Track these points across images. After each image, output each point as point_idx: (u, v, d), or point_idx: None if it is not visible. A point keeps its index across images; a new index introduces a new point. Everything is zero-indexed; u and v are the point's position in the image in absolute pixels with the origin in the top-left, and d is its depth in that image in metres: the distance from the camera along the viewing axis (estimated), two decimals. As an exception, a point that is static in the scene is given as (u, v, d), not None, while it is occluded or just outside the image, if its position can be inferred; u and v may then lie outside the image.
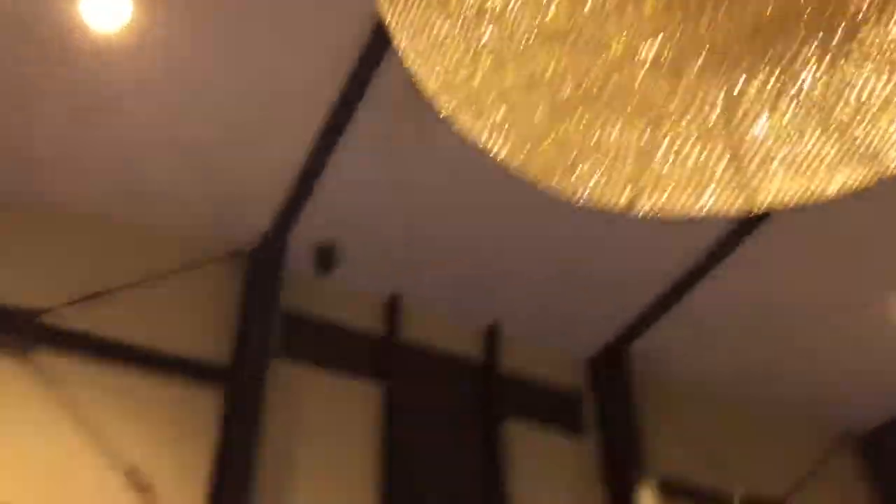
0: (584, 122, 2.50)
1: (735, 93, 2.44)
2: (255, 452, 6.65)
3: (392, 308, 8.66)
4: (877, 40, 2.29)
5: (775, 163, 2.62)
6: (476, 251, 8.42)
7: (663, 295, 8.65)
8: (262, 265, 7.92)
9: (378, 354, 8.35)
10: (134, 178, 7.50)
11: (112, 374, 6.80)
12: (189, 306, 7.59)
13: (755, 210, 2.80)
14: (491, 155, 2.62)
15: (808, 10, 2.18)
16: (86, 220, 7.56)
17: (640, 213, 2.88)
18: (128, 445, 6.43)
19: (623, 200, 2.77)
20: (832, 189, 2.65)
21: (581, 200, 2.78)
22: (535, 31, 2.32)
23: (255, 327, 7.50)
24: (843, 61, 2.35)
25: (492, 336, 9.03)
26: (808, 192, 2.68)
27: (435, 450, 8.02)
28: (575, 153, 2.52)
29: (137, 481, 6.30)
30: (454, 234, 8.25)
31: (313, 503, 7.00)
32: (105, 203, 7.62)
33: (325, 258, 8.20)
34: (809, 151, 2.57)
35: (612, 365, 9.27)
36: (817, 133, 2.54)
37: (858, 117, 2.48)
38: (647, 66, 2.33)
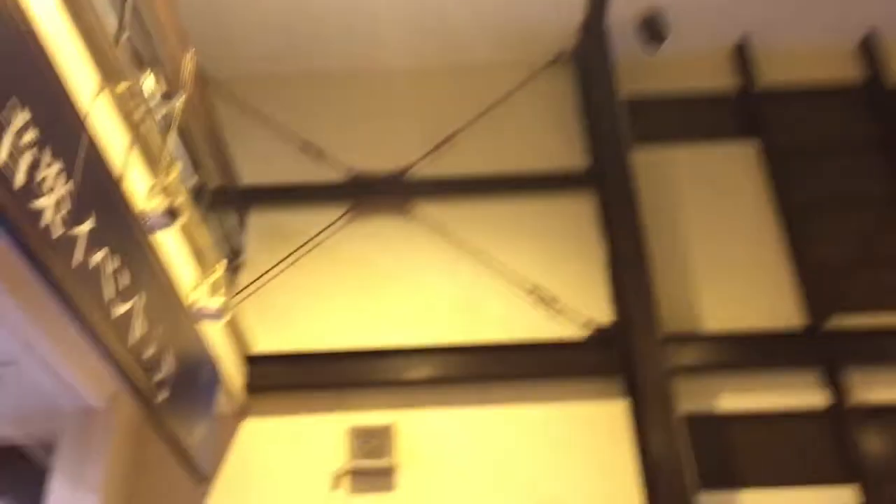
0: None
1: None
2: (642, 243, 6.50)
3: (741, 57, 7.80)
4: None
5: None
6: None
7: None
8: (589, 59, 7.53)
9: (741, 110, 7.62)
10: (438, 20, 7.49)
11: (488, 207, 7.04)
12: (534, 122, 7.53)
13: None
14: None
15: None
16: (415, 76, 7.76)
17: None
18: (524, 265, 6.66)
19: None
20: None
21: None
22: None
23: (604, 122, 7.19)
24: None
25: (868, 49, 7.75)
26: None
27: (834, 191, 7.20)
28: None
29: (541, 296, 6.53)
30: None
31: (718, 280, 6.71)
32: (425, 53, 7.74)
33: (652, 29, 7.55)
34: None
35: None
36: None
37: None
38: None
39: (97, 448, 5.46)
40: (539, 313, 6.49)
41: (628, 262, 6.48)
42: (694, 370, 6.22)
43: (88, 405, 5.46)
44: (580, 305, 6.50)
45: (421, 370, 6.22)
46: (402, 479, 5.87)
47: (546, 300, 6.52)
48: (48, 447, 5.42)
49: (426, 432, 6.03)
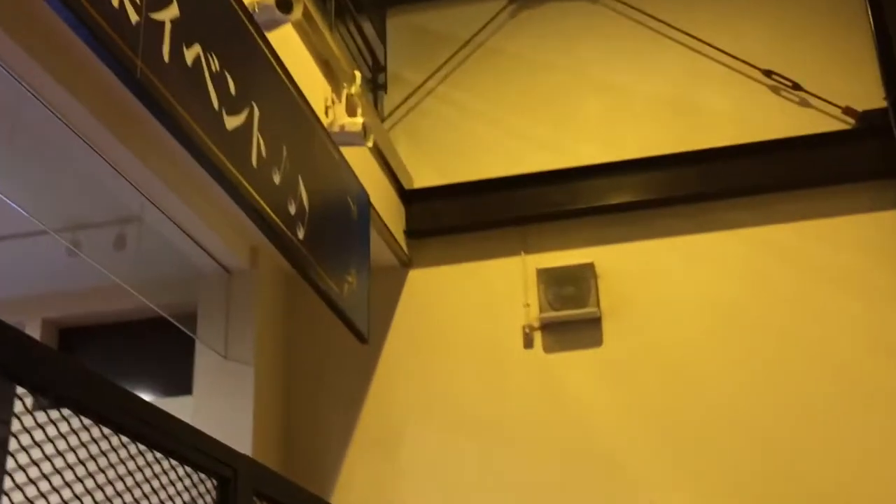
0: None
1: None
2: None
3: None
4: None
5: None
6: None
7: None
8: None
9: None
10: None
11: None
12: None
13: None
14: None
15: None
16: None
17: None
18: (752, 46, 5.65)
19: None
20: None
21: None
22: None
23: None
24: None
25: None
26: None
27: None
28: None
29: (780, 81, 5.45)
30: None
31: None
32: None
33: None
34: None
35: None
36: None
37: None
38: None
39: (241, 313, 5.24)
40: (779, 104, 5.47)
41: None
42: None
43: (226, 263, 5.22)
44: (835, 90, 5.39)
45: (625, 192, 5.48)
46: (609, 332, 5.30)
47: (785, 84, 5.44)
48: (190, 316, 5.26)
49: (637, 271, 5.42)
